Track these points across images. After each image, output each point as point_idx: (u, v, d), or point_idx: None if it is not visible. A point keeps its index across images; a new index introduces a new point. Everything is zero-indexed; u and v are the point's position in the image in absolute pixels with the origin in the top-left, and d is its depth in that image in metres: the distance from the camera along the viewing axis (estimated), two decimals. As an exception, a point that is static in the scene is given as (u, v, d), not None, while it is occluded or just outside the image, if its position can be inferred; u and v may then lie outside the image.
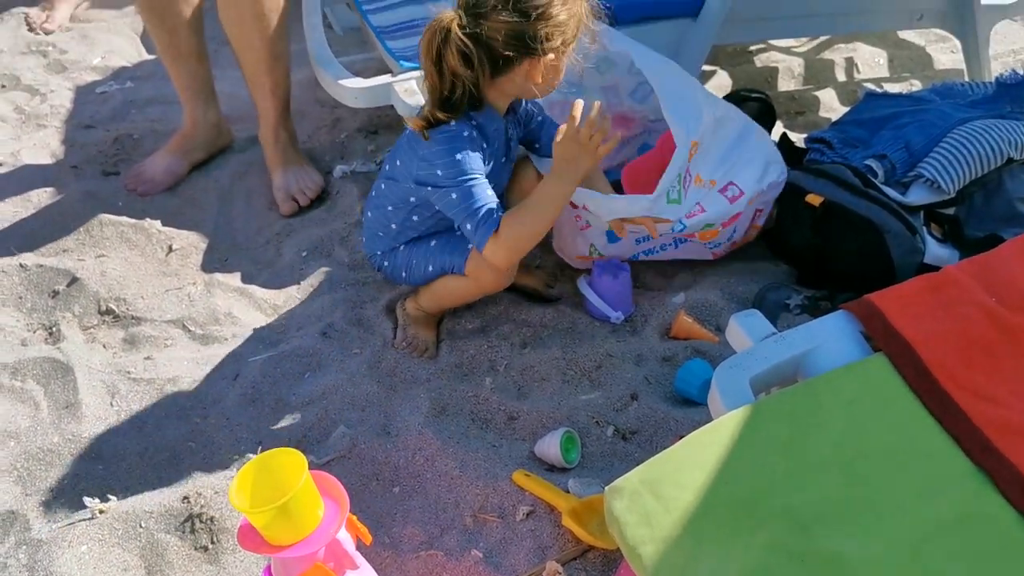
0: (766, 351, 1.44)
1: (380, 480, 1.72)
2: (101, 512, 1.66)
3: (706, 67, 3.11)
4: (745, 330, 1.50)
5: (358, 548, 1.38)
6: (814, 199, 2.05)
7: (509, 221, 1.73)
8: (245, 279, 2.25)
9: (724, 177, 2.04)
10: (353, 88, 2.25)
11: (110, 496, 1.70)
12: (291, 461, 1.22)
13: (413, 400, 1.85)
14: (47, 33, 3.46)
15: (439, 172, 1.75)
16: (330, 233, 2.36)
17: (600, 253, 2.09)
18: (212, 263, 2.30)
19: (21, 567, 1.56)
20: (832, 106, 2.91)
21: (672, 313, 2.04)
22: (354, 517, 1.31)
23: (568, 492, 1.63)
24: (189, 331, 2.09)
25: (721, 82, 3.04)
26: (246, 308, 2.16)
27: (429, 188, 1.78)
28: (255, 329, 2.09)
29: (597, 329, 2.02)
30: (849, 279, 2.04)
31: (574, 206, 1.97)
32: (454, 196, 1.74)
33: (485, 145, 1.78)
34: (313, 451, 1.77)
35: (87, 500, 1.67)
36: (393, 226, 1.93)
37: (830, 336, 1.45)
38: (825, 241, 2.06)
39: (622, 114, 2.31)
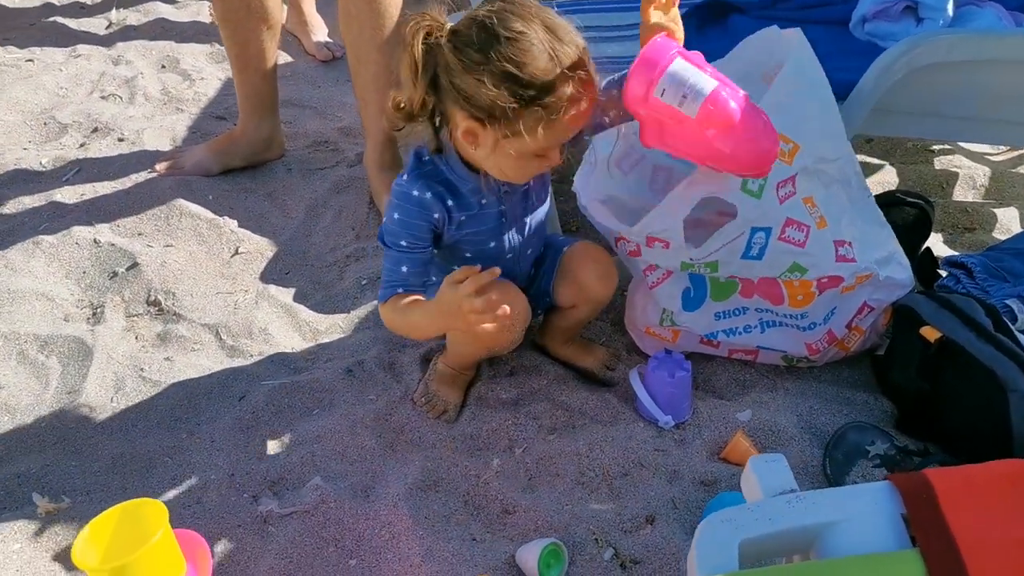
0: (773, 511, 1.15)
1: (339, 547, 1.53)
2: (47, 513, 1.56)
3: (874, 160, 2.76)
4: (759, 478, 1.21)
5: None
6: (930, 333, 1.70)
7: (392, 307, 1.60)
8: (297, 297, 2.14)
9: (838, 228, 1.73)
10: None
11: (64, 497, 1.60)
12: (152, 513, 1.05)
13: (406, 466, 1.66)
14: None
15: (384, 222, 1.61)
16: (400, 266, 2.22)
17: (674, 323, 1.82)
18: (272, 274, 2.21)
19: (-51, 551, 1.48)
20: (1010, 227, 2.48)
21: (731, 430, 1.74)
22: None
23: (527, 617, 1.38)
24: (220, 339, 1.99)
25: (885, 179, 2.68)
26: (285, 327, 2.04)
27: None
28: (285, 351, 1.96)
29: (639, 431, 1.75)
30: (957, 436, 1.68)
31: (635, 255, 1.74)
32: (384, 255, 1.62)
33: (451, 201, 1.59)
34: (282, 497, 1.61)
35: (36, 497, 1.58)
36: None
37: (861, 511, 1.14)
38: (934, 386, 1.70)
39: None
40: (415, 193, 1.56)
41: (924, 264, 2.05)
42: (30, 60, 3.17)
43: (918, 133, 2.37)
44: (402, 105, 1.49)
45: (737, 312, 1.81)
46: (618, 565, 1.50)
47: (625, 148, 1.90)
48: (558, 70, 1.37)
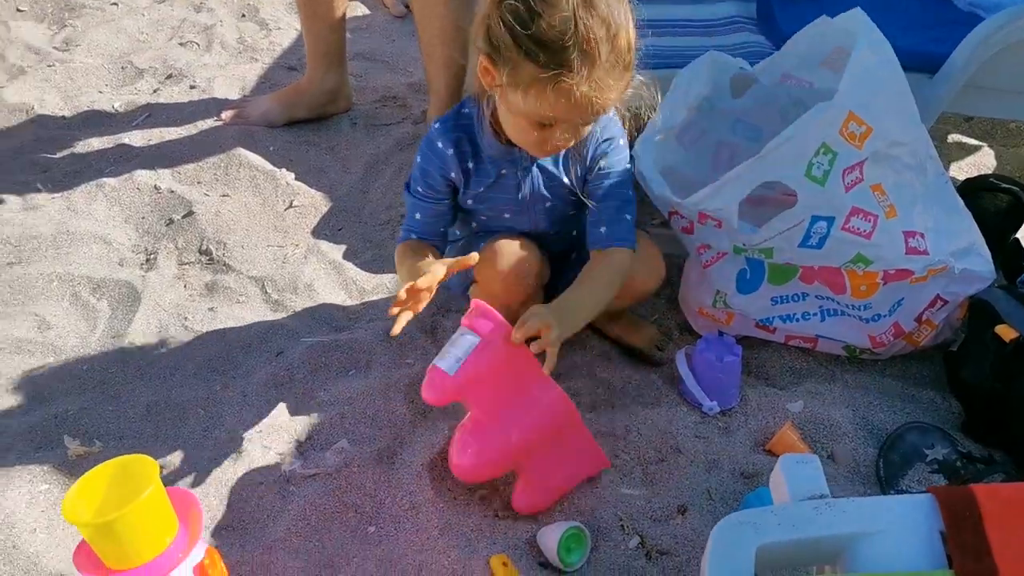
0: (798, 516, 1.06)
1: (359, 513, 1.50)
2: (78, 456, 1.57)
3: (971, 141, 2.59)
4: (787, 479, 1.12)
5: None
6: (1006, 332, 1.57)
7: (400, 254, 1.58)
8: (347, 254, 2.10)
9: (910, 217, 1.60)
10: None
11: (97, 441, 1.61)
12: (142, 471, 1.03)
13: (435, 435, 1.61)
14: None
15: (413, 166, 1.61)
16: (455, 227, 2.17)
17: (727, 305, 1.73)
18: (324, 229, 2.18)
19: (-20, 487, 1.50)
20: (1116, 221, 2.29)
21: (780, 421, 1.65)
22: (216, 559, 1.10)
23: (540, 602, 1.33)
24: (266, 292, 1.97)
25: (982, 161, 2.50)
26: (331, 285, 2.01)
27: None
28: (328, 309, 1.94)
29: (681, 415, 1.66)
30: (1028, 445, 1.55)
31: (688, 231, 1.65)
32: (405, 199, 1.63)
33: (471, 164, 1.54)
34: (307, 457, 1.58)
35: (67, 440, 1.59)
36: None
37: (895, 524, 1.04)
38: (1007, 389, 1.57)
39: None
40: (439, 145, 1.53)
41: (1011, 256, 1.90)
42: (115, 3, 3.20)
43: (1013, 114, 2.19)
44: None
45: (796, 298, 1.71)
46: (643, 555, 1.43)
47: (687, 121, 1.80)
48: (568, 42, 1.27)
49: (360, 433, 1.62)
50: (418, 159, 1.56)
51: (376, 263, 2.08)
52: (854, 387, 1.74)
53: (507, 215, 1.62)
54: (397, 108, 2.69)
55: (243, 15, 3.22)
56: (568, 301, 1.48)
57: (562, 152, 1.55)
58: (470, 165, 1.54)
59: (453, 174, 1.54)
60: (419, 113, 2.63)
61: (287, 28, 3.13)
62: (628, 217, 1.58)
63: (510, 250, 1.57)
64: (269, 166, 2.31)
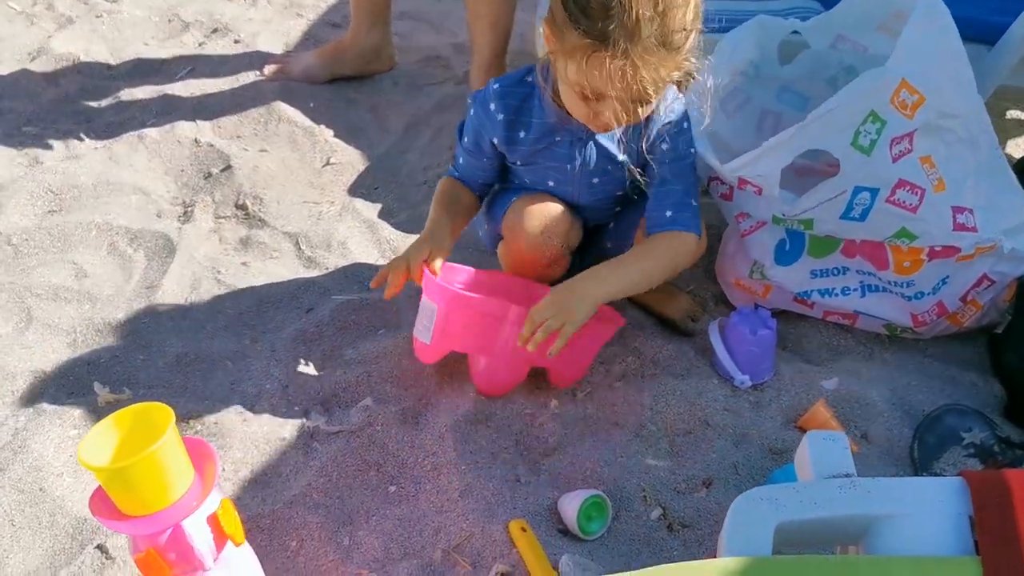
0: (820, 494, 1.04)
1: (380, 472, 1.49)
2: (107, 403, 1.58)
3: (1030, 117, 2.49)
4: (812, 456, 1.09)
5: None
6: (1054, 314, 1.51)
7: (440, 191, 1.64)
8: (382, 213, 2.09)
9: (959, 192, 1.54)
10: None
11: (126, 389, 1.62)
12: (158, 418, 1.02)
13: (460, 396, 1.60)
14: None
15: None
16: (492, 189, 2.14)
17: (764, 277, 1.69)
18: (360, 187, 2.17)
19: (10, 431, 1.51)
20: None
21: (813, 398, 1.61)
22: (229, 509, 1.10)
23: (556, 571, 1.31)
24: (299, 249, 1.97)
25: (1041, 140, 2.41)
26: (365, 243, 2.00)
27: None
28: (360, 267, 1.93)
29: (712, 388, 1.63)
30: (1071, 433, 1.50)
31: (727, 198, 1.62)
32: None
33: (522, 133, 1.52)
34: (331, 414, 1.58)
35: (97, 387, 1.60)
36: None
37: (922, 506, 1.01)
38: (1052, 373, 1.52)
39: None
40: (492, 107, 1.52)
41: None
42: (164, -44, 3.21)
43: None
44: None
45: (836, 272, 1.66)
46: (665, 526, 1.41)
47: (730, 88, 1.75)
48: (611, 14, 1.23)
49: (385, 392, 1.62)
50: (471, 112, 1.56)
51: (411, 223, 2.06)
52: (893, 366, 1.69)
53: (551, 182, 1.60)
54: (440, 69, 2.67)
55: (291, -29, 3.20)
56: (609, 269, 1.48)
57: (619, 131, 1.51)
58: (521, 134, 1.53)
59: (497, 140, 1.53)
60: (462, 75, 2.61)
61: (333, -16, 3.11)
62: (694, 203, 1.54)
63: (540, 210, 1.55)
64: (308, 122, 2.31)
